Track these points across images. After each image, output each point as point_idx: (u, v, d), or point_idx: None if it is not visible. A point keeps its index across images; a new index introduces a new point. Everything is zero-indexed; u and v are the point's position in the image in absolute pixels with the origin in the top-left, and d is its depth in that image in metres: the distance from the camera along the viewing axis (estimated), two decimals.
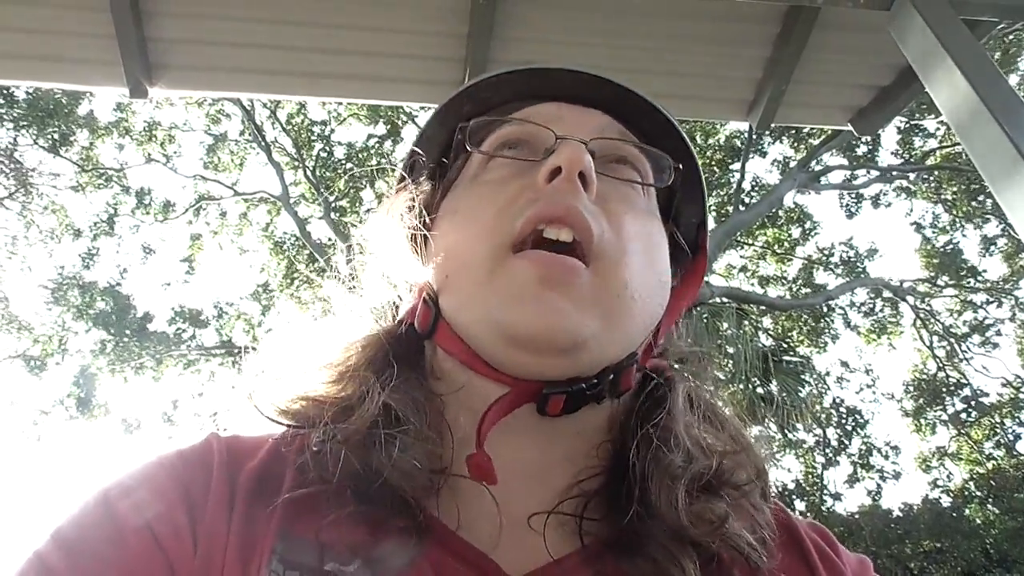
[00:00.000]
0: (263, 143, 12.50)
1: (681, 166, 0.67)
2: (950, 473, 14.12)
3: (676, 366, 0.70)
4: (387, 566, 0.52)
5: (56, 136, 12.08)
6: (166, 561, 0.50)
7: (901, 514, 12.50)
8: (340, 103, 11.82)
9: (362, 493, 0.54)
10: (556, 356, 0.56)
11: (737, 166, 12.46)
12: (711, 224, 12.77)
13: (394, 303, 0.70)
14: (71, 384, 12.52)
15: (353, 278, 0.71)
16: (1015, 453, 13.51)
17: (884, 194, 13.32)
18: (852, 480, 13.54)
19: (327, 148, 12.94)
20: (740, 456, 0.64)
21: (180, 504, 0.54)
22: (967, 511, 12.87)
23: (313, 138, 12.87)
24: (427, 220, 0.66)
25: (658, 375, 0.66)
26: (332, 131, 12.93)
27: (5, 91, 11.21)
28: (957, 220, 13.14)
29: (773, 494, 0.66)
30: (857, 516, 12.62)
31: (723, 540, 0.57)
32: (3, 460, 13.09)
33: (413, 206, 0.67)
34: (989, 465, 13.56)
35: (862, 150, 12.64)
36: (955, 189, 12.87)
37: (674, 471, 0.58)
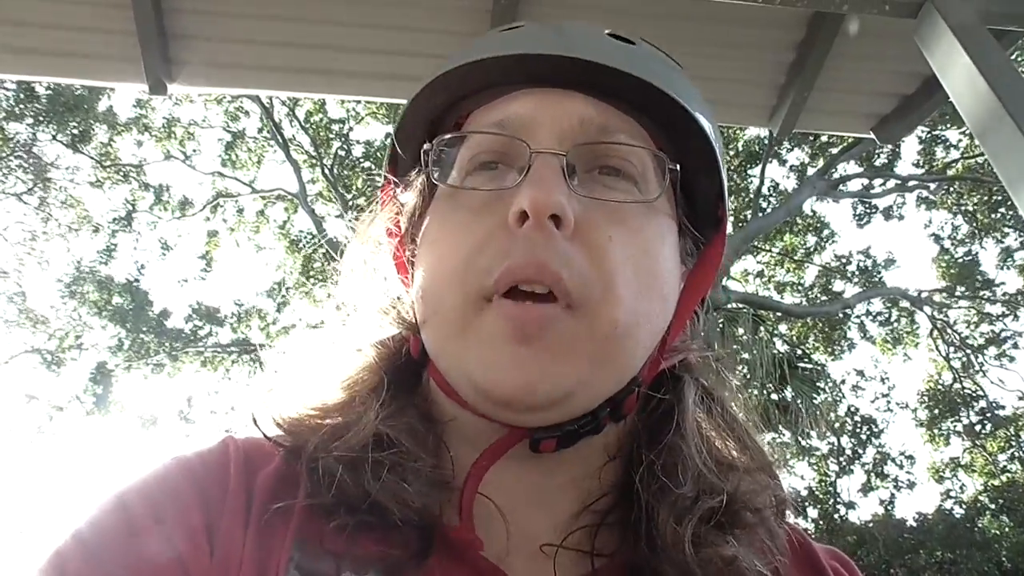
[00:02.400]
0: (281, 141, 12.57)
1: (678, 167, 0.60)
2: (963, 484, 14.04)
3: (688, 369, 0.65)
4: (400, 575, 0.52)
5: (76, 132, 12.20)
6: (182, 565, 0.49)
7: (915, 524, 12.39)
8: (359, 101, 11.86)
9: (360, 511, 0.53)
10: (539, 412, 0.53)
11: (755, 171, 12.40)
12: (729, 229, 12.68)
13: (396, 318, 0.67)
14: (87, 380, 12.62)
15: (351, 292, 0.68)
16: None
17: (902, 204, 13.23)
18: (866, 489, 13.46)
19: (345, 147, 13.00)
20: (758, 475, 0.61)
21: (197, 508, 0.53)
22: (980, 523, 12.75)
23: (331, 136, 12.92)
24: (412, 244, 0.64)
25: (665, 385, 0.63)
26: (351, 129, 13.00)
27: (26, 87, 11.33)
28: (976, 232, 13.02)
29: (790, 515, 0.63)
30: (871, 525, 12.52)
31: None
32: (18, 455, 13.18)
33: (393, 229, 0.65)
34: (1003, 478, 13.44)
35: (881, 159, 12.55)
36: (976, 200, 12.75)
37: (680, 510, 0.56)
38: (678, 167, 0.60)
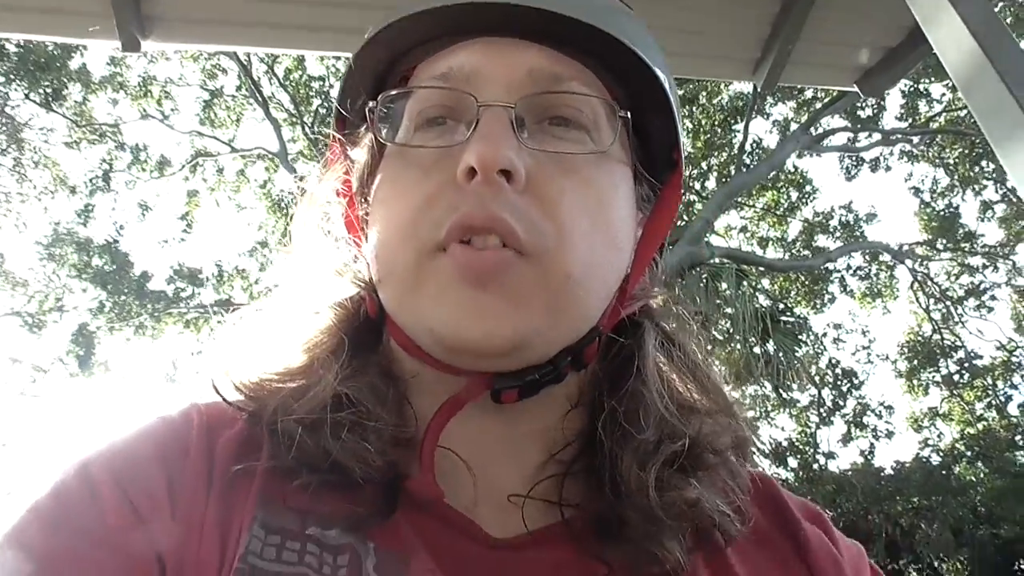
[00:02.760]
0: (260, 99, 12.36)
1: (629, 114, 0.59)
2: (941, 433, 14.41)
3: (648, 314, 0.65)
4: (367, 529, 0.53)
5: (49, 90, 11.92)
6: (145, 529, 0.50)
7: (892, 472, 12.68)
8: (339, 58, 11.63)
9: (322, 471, 0.53)
10: (498, 358, 0.53)
11: (740, 127, 12.36)
12: (711, 184, 12.77)
13: (352, 279, 0.66)
14: (70, 342, 12.55)
15: (306, 254, 0.66)
16: (1006, 414, 13.69)
17: (885, 157, 13.27)
18: (846, 439, 13.74)
19: (326, 104, 12.78)
20: (719, 417, 0.62)
21: (159, 471, 0.53)
22: (957, 470, 13.08)
23: (311, 94, 12.71)
24: (365, 203, 0.63)
25: (626, 331, 0.62)
26: (331, 87, 12.77)
27: None
28: (957, 185, 13.11)
29: (762, 451, 0.64)
30: (849, 473, 12.80)
31: (696, 518, 0.56)
32: (3, 418, 13.15)
33: (343, 190, 0.64)
34: (980, 426, 13.77)
35: (865, 113, 12.54)
36: (957, 153, 12.80)
37: (643, 455, 0.56)
38: (629, 114, 0.59)
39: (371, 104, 0.60)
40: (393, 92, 0.60)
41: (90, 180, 12.79)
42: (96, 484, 0.51)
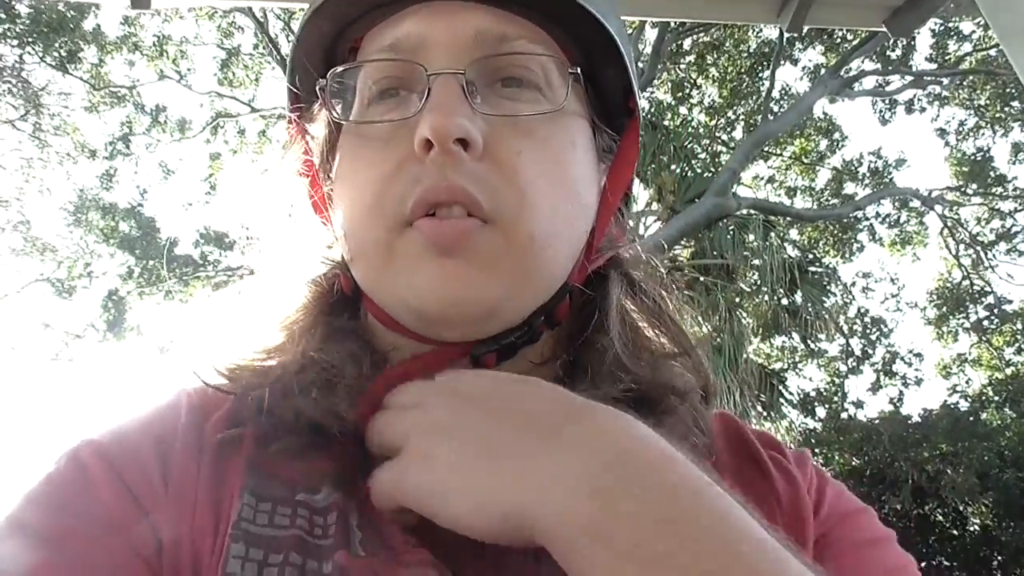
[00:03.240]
0: (278, 56, 12.14)
1: (579, 69, 0.59)
2: (969, 379, 14.44)
3: (616, 264, 0.66)
4: (349, 486, 0.53)
5: (63, 53, 11.76)
6: (140, 507, 0.51)
7: (919, 419, 12.77)
8: None
9: (302, 433, 0.54)
10: (473, 325, 0.55)
11: (767, 74, 12.10)
12: (739, 134, 12.57)
13: (324, 257, 0.67)
14: (100, 307, 12.64)
15: (277, 234, 0.68)
16: None
17: (919, 99, 13.00)
18: (875, 388, 13.81)
19: None
20: (683, 360, 0.64)
21: (150, 452, 0.54)
22: (984, 415, 13.14)
23: None
24: (329, 179, 0.63)
25: (593, 283, 0.63)
26: None
27: (5, 4, 10.83)
28: (988, 126, 12.86)
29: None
30: (877, 422, 12.90)
31: None
32: (35, 384, 13.35)
33: (303, 169, 0.64)
34: (1008, 371, 13.78)
35: (894, 55, 12.24)
36: (988, 95, 12.53)
37: (602, 400, 0.55)
38: (579, 70, 0.59)
39: (321, 82, 0.60)
40: (341, 69, 0.60)
41: (110, 144, 12.70)
42: (88, 467, 0.52)
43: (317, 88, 0.60)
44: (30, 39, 11.43)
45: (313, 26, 0.61)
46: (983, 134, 13.01)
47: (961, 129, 13.15)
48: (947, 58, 12.45)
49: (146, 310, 12.79)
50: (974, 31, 11.87)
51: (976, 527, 11.77)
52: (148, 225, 12.66)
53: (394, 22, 0.58)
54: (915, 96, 12.91)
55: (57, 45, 11.67)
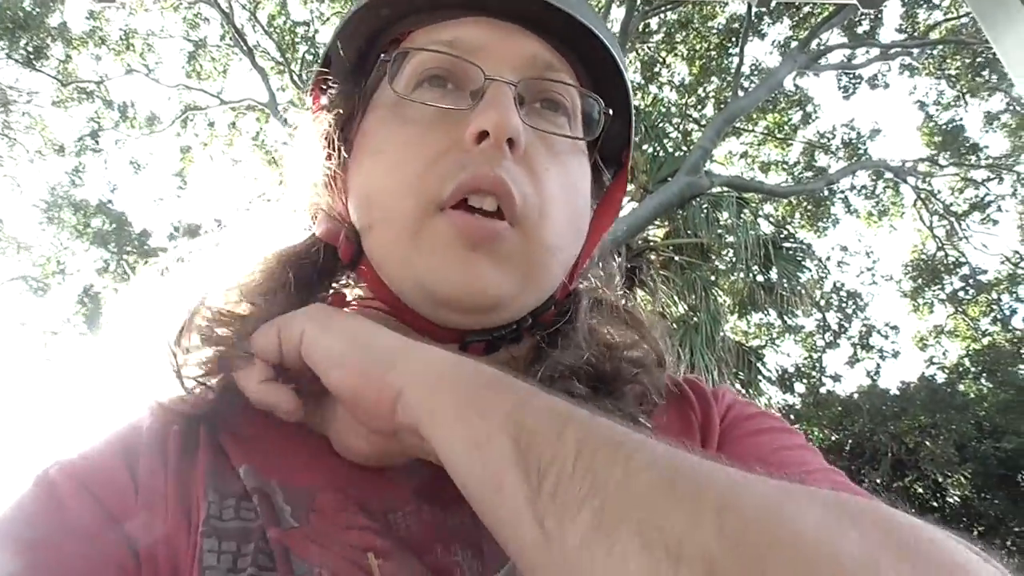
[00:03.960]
0: (245, 48, 12.06)
1: (611, 111, 0.66)
2: (946, 351, 14.50)
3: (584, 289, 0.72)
4: (300, 478, 0.57)
5: (30, 49, 11.68)
6: (111, 517, 0.52)
7: (898, 392, 12.81)
8: (322, 1, 11.35)
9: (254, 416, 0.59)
10: (477, 314, 0.60)
11: (736, 50, 12.05)
12: (709, 111, 12.55)
13: (312, 211, 0.69)
14: (76, 303, 12.61)
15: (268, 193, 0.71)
16: (1011, 328, 13.74)
17: (884, 74, 12.95)
18: (852, 361, 13.85)
19: (312, 50, 12.49)
20: (642, 344, 0.70)
21: (118, 464, 0.56)
22: (961, 387, 13.19)
23: (297, 40, 12.41)
24: (344, 150, 0.65)
25: (566, 304, 0.69)
26: (316, 31, 12.47)
27: None
28: (960, 96, 12.82)
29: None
30: (856, 396, 12.94)
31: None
32: (15, 381, 13.32)
33: (329, 134, 0.66)
34: (985, 341, 13.82)
35: (863, 28, 12.19)
36: (959, 64, 12.49)
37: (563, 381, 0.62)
38: (611, 112, 0.66)
39: (385, 56, 0.64)
40: (401, 48, 0.64)
41: (79, 140, 12.64)
42: (56, 485, 0.54)
43: (380, 60, 0.65)
44: None
45: (368, 13, 0.66)
46: (955, 104, 12.97)
47: (935, 99, 13.12)
48: (917, 27, 12.39)
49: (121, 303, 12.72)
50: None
51: (955, 498, 11.84)
52: (120, 220, 12.61)
53: (454, 25, 0.63)
54: (879, 71, 12.86)
55: (23, 42, 11.60)
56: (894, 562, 0.33)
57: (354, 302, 0.67)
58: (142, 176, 13.48)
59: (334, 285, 0.69)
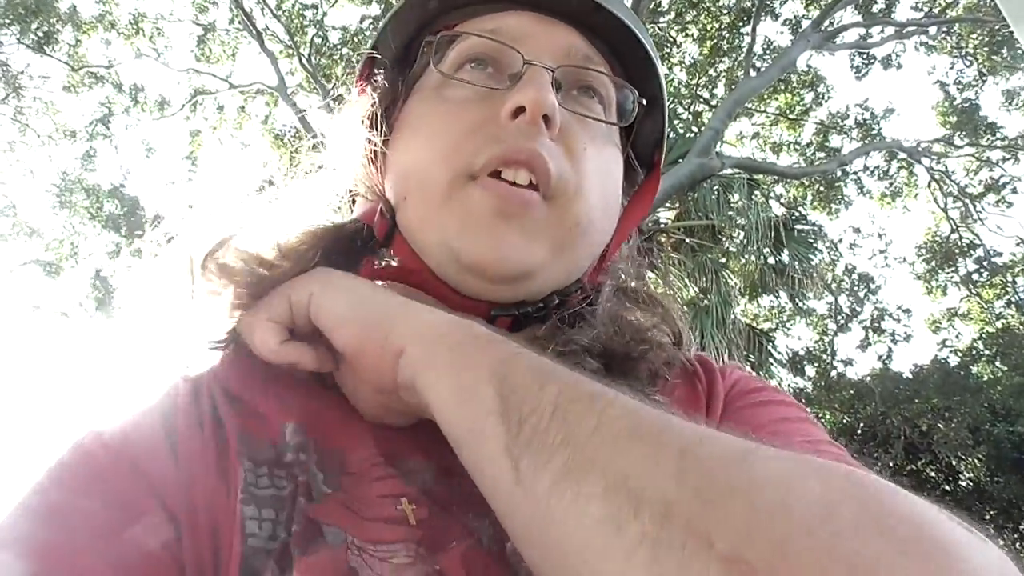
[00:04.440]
0: (254, 31, 12.05)
1: (644, 101, 0.68)
2: (959, 333, 14.38)
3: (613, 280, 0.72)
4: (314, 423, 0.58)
5: (40, 34, 11.73)
6: (149, 484, 0.52)
7: (911, 375, 12.73)
8: None
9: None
10: (504, 283, 0.60)
11: (748, 29, 11.91)
12: (721, 91, 12.43)
13: (350, 198, 0.72)
14: (88, 287, 12.73)
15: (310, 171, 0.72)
16: None
17: (898, 54, 12.75)
18: (864, 345, 13.75)
19: (321, 34, 12.47)
20: (663, 325, 0.71)
21: (156, 431, 0.56)
22: (975, 369, 13.09)
23: (306, 23, 12.38)
24: (386, 130, 0.67)
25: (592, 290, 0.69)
26: (325, 14, 12.44)
27: None
28: (979, 75, 12.62)
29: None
30: (868, 380, 12.87)
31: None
32: (28, 365, 13.48)
33: (373, 114, 0.68)
34: (999, 324, 13.69)
35: (878, 5, 12.01)
36: (976, 42, 12.29)
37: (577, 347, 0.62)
38: (644, 102, 0.68)
39: (430, 38, 0.67)
40: (450, 33, 0.67)
41: (91, 124, 12.70)
42: (95, 454, 0.54)
43: (425, 42, 0.68)
44: (6, 21, 11.41)
45: (417, 4, 0.69)
46: (973, 84, 12.77)
47: (958, 78, 12.92)
48: (934, 5, 12.19)
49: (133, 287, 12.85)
50: None
51: (968, 481, 11.77)
52: (132, 204, 12.68)
53: (499, 16, 0.66)
54: (893, 51, 12.66)
55: (34, 27, 11.65)
56: (854, 512, 0.33)
57: (384, 277, 0.67)
58: (153, 160, 13.51)
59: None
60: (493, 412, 0.43)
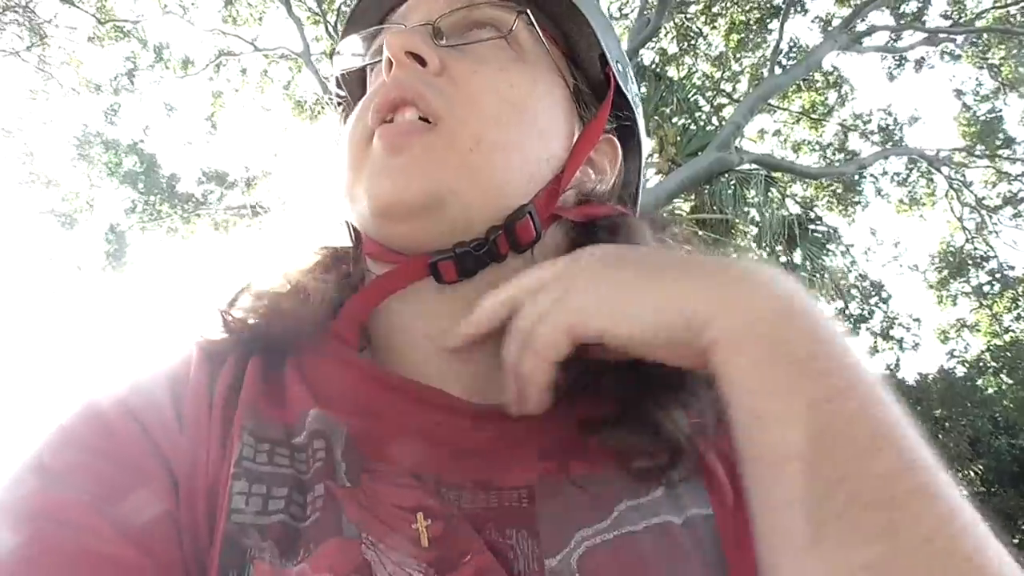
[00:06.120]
0: None
1: (528, 11, 0.65)
2: (967, 344, 14.31)
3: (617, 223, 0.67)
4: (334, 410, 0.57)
5: None
6: (154, 445, 0.52)
7: (914, 384, 12.70)
8: None
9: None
10: (418, 218, 0.58)
11: (775, 25, 11.82)
12: (744, 86, 12.34)
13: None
14: (103, 240, 12.79)
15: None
16: None
17: (929, 56, 12.65)
18: (872, 351, 13.69)
19: (348, 3, 12.43)
20: None
21: (164, 395, 0.56)
22: (980, 381, 13.05)
23: None
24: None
25: (588, 223, 0.66)
26: None
27: None
28: (1002, 87, 12.51)
29: None
30: None
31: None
32: (42, 314, 13.57)
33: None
34: (1007, 337, 13.64)
35: (910, 8, 11.90)
36: (1003, 54, 12.18)
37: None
38: (528, 11, 0.65)
39: (337, 77, 0.75)
40: (348, 73, 0.74)
41: (115, 78, 12.72)
42: (103, 412, 0.54)
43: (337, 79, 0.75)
44: None
45: (346, 28, 0.72)
46: (994, 97, 12.67)
47: (976, 90, 12.82)
48: (964, 14, 12.08)
49: (148, 245, 12.92)
50: None
51: (967, 493, 11.76)
52: (150, 161, 12.72)
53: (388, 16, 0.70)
54: (925, 54, 12.55)
55: None
56: None
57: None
58: (173, 119, 13.52)
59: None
60: (799, 457, 0.43)
